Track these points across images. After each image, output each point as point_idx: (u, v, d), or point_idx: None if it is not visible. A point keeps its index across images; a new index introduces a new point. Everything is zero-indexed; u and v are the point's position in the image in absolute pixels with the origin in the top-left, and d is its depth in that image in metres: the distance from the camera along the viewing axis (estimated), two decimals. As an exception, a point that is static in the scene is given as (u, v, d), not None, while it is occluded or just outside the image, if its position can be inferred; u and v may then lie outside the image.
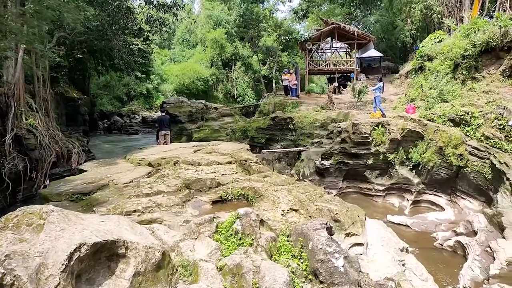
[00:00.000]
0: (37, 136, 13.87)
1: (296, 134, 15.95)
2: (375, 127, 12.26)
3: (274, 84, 29.79)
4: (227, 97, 45.90)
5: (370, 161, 12.35)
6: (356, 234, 5.59)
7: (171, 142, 16.08)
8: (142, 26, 24.48)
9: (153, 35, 24.77)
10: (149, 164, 7.85)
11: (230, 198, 5.57)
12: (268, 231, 3.93)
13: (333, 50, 34.01)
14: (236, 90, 44.39)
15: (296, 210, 5.08)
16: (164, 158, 8.06)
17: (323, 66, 30.36)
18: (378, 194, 12.42)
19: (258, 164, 7.44)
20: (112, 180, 6.58)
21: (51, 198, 5.74)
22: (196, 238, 3.45)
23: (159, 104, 31.44)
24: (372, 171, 12.61)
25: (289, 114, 16.86)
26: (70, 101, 24.96)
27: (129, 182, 6.37)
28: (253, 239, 3.53)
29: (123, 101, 40.06)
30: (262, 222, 4.03)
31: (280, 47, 32.15)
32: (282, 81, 21.76)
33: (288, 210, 5.01)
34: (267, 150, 12.65)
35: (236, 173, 6.60)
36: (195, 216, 4.90)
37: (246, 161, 7.43)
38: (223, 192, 5.62)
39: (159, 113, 17.78)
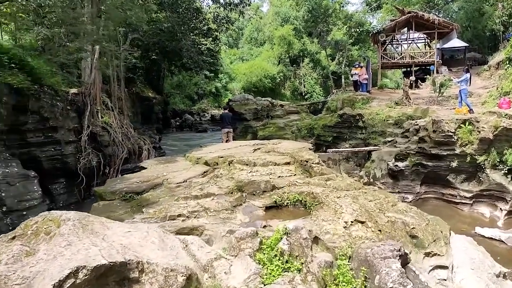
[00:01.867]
0: (111, 133, 14.60)
1: (366, 132, 14.71)
2: (461, 125, 10.66)
3: (343, 80, 28.38)
4: (294, 94, 45.16)
5: (454, 164, 10.77)
6: (439, 254, 4.62)
7: (235, 140, 15.94)
8: (210, 26, 24.91)
9: (219, 34, 25.06)
10: (206, 163, 7.55)
11: (285, 203, 4.95)
12: (324, 251, 3.24)
13: (409, 42, 31.32)
14: (304, 87, 43.39)
15: (362, 222, 4.29)
16: (221, 157, 7.71)
17: (398, 59, 28.16)
18: (464, 201, 10.80)
19: (320, 165, 6.69)
20: (167, 179, 6.37)
21: (105, 197, 5.67)
22: (236, 256, 2.92)
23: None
24: (457, 175, 11.00)
25: (358, 111, 15.66)
26: (145, 100, 26.21)
27: (182, 182, 6.08)
28: (302, 263, 2.89)
29: (193, 100, 41.49)
30: (316, 239, 3.36)
31: (350, 40, 30.52)
32: (351, 76, 20.44)
33: (352, 222, 4.24)
34: (333, 150, 11.73)
35: (294, 175, 5.95)
36: (245, 223, 4.38)
37: (307, 161, 6.73)
38: (278, 196, 5.02)
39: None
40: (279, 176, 5.75)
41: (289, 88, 45.30)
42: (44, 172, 10.92)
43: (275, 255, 2.90)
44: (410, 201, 11.30)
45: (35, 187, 9.12)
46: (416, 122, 12.43)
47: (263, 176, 5.72)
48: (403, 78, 26.25)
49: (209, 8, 25.15)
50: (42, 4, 8.36)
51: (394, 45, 32.58)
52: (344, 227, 4.13)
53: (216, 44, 28.53)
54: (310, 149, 8.03)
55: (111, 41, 15.79)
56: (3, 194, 8.30)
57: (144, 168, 8.10)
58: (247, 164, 6.35)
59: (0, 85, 8.80)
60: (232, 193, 5.23)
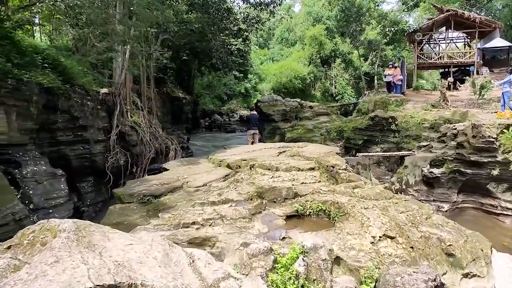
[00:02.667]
0: (139, 133, 14.74)
1: (400, 136, 14.01)
2: (504, 130, 9.84)
3: (376, 81, 27.39)
4: (325, 95, 44.32)
5: (495, 172, 9.95)
6: (479, 276, 4.14)
7: (263, 142, 15.67)
8: (240, 27, 24.77)
9: (250, 34, 24.87)
10: (228, 166, 7.33)
11: (308, 213, 4.61)
12: (346, 273, 2.89)
13: (448, 41, 29.85)
14: (335, 88, 42.49)
15: (392, 238, 3.88)
16: (244, 160, 7.46)
17: (435, 60, 26.96)
18: (506, 213, 9.95)
19: (347, 171, 6.28)
20: (187, 182, 6.20)
21: (123, 199, 5.57)
22: (246, 275, 2.64)
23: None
24: (498, 184, 10.17)
25: (391, 113, 14.96)
26: (176, 100, 26.46)
27: (202, 186, 5.88)
28: (320, 289, 2.57)
29: (223, 100, 41.64)
30: (337, 259, 3.02)
31: (385, 40, 29.46)
32: (384, 77, 19.61)
33: (380, 237, 3.84)
34: (363, 154, 11.17)
35: (319, 181, 5.58)
36: (263, 234, 4.10)
37: (333, 167, 6.34)
38: (300, 205, 4.69)
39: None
40: (303, 183, 5.41)
41: (320, 89, 44.52)
42: (73, 170, 11.13)
43: (290, 278, 2.59)
44: (446, 211, 10.60)
45: (62, 185, 9.24)
46: (454, 126, 11.65)
47: (285, 182, 5.40)
48: (441, 79, 25.06)
49: (240, 8, 24.99)
50: (71, 4, 8.47)
51: (431, 45, 31.19)
52: (372, 243, 3.75)
53: (246, 45, 28.37)
54: (337, 153, 7.61)
55: (142, 42, 16.00)
56: (30, 192, 8.44)
57: (166, 169, 7.99)
58: (269, 169, 6.04)
59: (30, 85, 8.97)
60: (251, 199, 4.95)
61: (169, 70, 24.87)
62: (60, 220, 2.54)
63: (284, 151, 8.51)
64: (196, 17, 22.31)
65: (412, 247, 3.91)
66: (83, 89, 12.28)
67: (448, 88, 25.52)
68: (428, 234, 4.34)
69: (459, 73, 26.17)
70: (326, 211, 4.53)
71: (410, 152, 11.60)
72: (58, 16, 14.52)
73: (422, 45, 27.95)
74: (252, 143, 12.16)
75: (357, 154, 10.81)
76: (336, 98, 42.24)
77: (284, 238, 3.92)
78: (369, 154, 11.41)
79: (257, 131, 12.46)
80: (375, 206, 4.72)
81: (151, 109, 17.45)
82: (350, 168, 6.58)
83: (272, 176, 5.63)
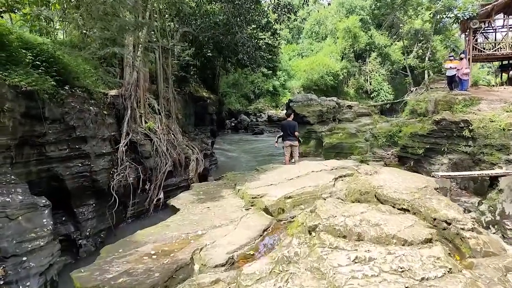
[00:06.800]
0: (154, 142, 12.48)
1: (476, 145, 11.03)
2: None
3: (426, 75, 23.99)
4: (359, 92, 41.13)
5: None
6: None
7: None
8: (270, 19, 22.27)
9: (280, 24, 22.23)
10: (266, 210, 4.80)
11: None
12: None
13: (509, 27, 26.00)
14: (370, 84, 39.18)
15: None
16: (289, 197, 4.94)
17: (493, 50, 23.29)
18: None
19: (477, 233, 3.59)
20: (200, 251, 3.71)
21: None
22: None
23: (285, 102, 29.04)
24: None
25: (462, 116, 11.95)
26: (199, 100, 24.35)
27: (224, 265, 3.37)
28: None
29: (250, 99, 39.23)
30: None
31: (431, 30, 26.01)
32: (445, 70, 16.38)
33: None
34: (444, 174, 8.16)
35: (449, 271, 2.93)
36: None
37: (448, 224, 3.67)
38: None
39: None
40: (423, 279, 2.76)
41: (353, 86, 41.31)
42: (68, 193, 8.98)
43: None
44: None
45: (44, 221, 6.95)
46: None
47: (386, 275, 2.76)
48: (495, 73, 21.49)
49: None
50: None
51: (485, 34, 27.33)
52: None
53: (275, 39, 25.79)
54: (436, 189, 4.87)
55: (157, 34, 13.84)
56: (-3, 233, 6.23)
57: (175, 209, 5.54)
58: (344, 236, 3.39)
59: (1, 88, 6.76)
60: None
61: (192, 68, 22.70)
62: None
63: (342, 176, 5.90)
64: (220, 8, 19.98)
65: None
66: (85, 91, 10.11)
67: (510, 83, 21.98)
68: None
69: (524, 65, 22.57)
70: None
71: (507, 172, 8.60)
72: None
73: (477, 34, 24.33)
74: (291, 155, 9.56)
75: (434, 173, 7.95)
76: (371, 95, 39.04)
77: None
78: (452, 174, 8.47)
79: (296, 142, 9.82)
80: None
81: (170, 112, 15.20)
82: (479, 227, 3.84)
83: (355, 258, 2.98)
